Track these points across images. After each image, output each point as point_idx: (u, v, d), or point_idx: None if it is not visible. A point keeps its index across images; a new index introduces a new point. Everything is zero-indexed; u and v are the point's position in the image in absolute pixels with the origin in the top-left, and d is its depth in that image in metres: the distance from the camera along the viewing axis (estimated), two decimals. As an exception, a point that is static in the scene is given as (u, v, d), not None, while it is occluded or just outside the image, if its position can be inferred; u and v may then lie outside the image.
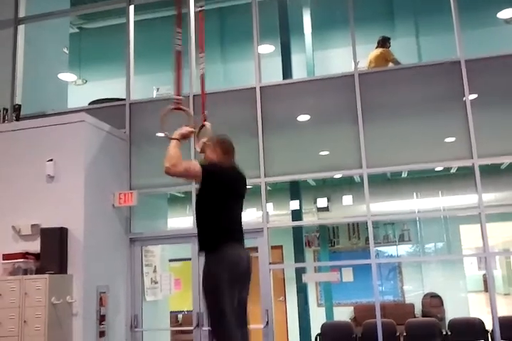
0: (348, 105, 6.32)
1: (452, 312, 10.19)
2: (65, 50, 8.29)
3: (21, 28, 7.66)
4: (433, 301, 10.74)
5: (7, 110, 6.53)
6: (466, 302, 10.90)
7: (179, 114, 3.65)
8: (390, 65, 7.18)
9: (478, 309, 11.14)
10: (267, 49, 8.39)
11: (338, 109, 6.46)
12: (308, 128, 6.55)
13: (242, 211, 3.59)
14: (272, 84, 6.69)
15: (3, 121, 6.42)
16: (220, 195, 3.37)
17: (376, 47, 7.52)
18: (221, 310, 3.21)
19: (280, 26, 8.04)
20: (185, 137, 3.41)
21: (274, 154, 6.42)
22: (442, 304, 10.68)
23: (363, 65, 7.00)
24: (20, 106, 6.69)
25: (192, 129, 3.36)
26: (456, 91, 6.07)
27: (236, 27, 10.26)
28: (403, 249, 11.58)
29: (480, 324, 7.73)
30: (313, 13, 9.53)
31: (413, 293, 11.26)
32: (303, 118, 6.59)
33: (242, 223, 3.55)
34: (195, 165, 3.34)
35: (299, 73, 8.50)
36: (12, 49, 7.49)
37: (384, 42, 7.52)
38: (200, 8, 3.71)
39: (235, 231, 3.49)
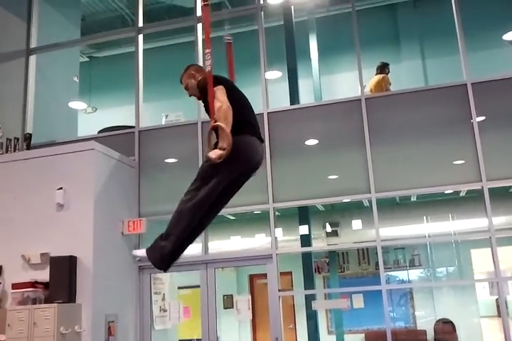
0: (356, 129, 6.34)
1: (465, 338, 9.99)
2: (75, 79, 8.41)
3: (33, 58, 7.81)
4: (445, 327, 10.46)
5: (18, 139, 6.59)
6: (479, 328, 10.70)
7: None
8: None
9: (491, 335, 10.90)
10: (274, 75, 8.46)
11: (345, 133, 6.48)
12: (316, 153, 6.56)
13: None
14: (279, 109, 6.73)
15: (14, 150, 6.47)
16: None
17: (376, 74, 7.59)
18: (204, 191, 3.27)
19: (287, 52, 8.13)
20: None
21: (282, 179, 6.43)
22: (455, 330, 10.45)
23: (368, 89, 7.07)
24: (30, 135, 6.76)
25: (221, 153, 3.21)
26: (464, 113, 6.09)
27: (243, 53, 10.33)
28: (414, 274, 11.45)
29: (494, 350, 7.58)
30: (320, 38, 9.64)
31: (425, 319, 11.07)
32: (311, 142, 6.61)
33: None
34: (223, 95, 3.28)
35: (306, 98, 8.56)
36: (24, 79, 7.63)
37: (383, 68, 7.60)
38: (228, 40, 3.76)
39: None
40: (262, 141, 3.56)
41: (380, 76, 7.46)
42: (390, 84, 7.35)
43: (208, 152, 3.22)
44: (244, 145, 3.31)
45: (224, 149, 3.07)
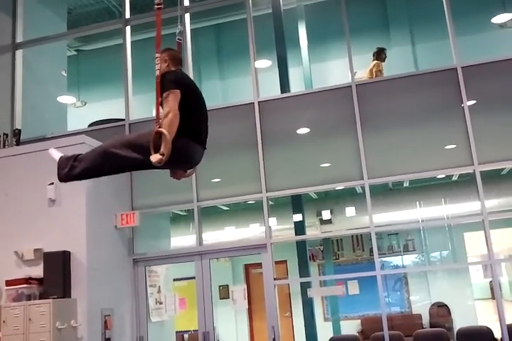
0: (347, 116, 6.33)
1: (460, 321, 10.10)
2: (63, 73, 8.33)
3: (19, 52, 7.73)
4: (440, 311, 10.66)
5: (7, 135, 6.54)
6: (473, 311, 10.81)
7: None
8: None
9: (486, 317, 11.02)
10: (264, 63, 8.42)
11: (337, 121, 6.47)
12: (308, 141, 6.55)
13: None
14: (270, 98, 6.71)
15: (4, 146, 6.44)
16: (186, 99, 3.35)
17: (373, 60, 7.53)
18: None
19: (276, 40, 8.07)
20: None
21: (274, 168, 6.42)
22: (450, 313, 10.59)
23: (360, 75, 7.03)
24: (20, 130, 6.71)
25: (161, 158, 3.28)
26: (454, 98, 6.09)
27: (232, 43, 10.31)
28: (408, 259, 11.51)
29: (488, 332, 7.67)
30: (309, 26, 9.59)
31: (420, 303, 11.17)
32: (302, 131, 6.60)
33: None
34: (174, 101, 3.25)
35: (296, 86, 8.52)
36: (10, 74, 7.56)
37: (379, 54, 7.55)
38: (178, 40, 3.71)
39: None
40: (205, 148, 3.59)
41: (374, 62, 7.40)
42: (381, 71, 7.30)
43: (151, 154, 3.29)
44: (183, 148, 3.36)
45: (163, 155, 3.15)
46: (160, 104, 3.36)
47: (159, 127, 3.19)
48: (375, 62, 7.40)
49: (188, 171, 3.80)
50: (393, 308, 11.22)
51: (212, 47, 10.83)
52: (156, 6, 3.32)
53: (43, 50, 8.03)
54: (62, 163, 3.58)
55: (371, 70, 7.24)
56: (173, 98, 3.24)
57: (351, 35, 6.72)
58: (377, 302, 6.22)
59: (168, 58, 3.53)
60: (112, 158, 3.43)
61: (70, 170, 3.52)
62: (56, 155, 3.66)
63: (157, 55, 3.27)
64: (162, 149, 3.17)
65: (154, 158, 3.20)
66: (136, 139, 3.46)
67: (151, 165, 3.37)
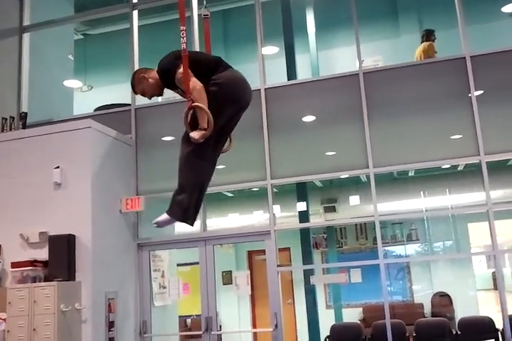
0: (354, 104, 6.30)
1: (462, 311, 10.13)
2: (70, 57, 8.32)
3: (26, 36, 7.71)
4: (442, 300, 10.70)
5: (13, 118, 6.54)
6: (475, 301, 10.84)
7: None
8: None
9: (487, 307, 11.06)
10: (271, 50, 8.38)
11: (343, 109, 6.44)
12: (313, 129, 6.53)
13: None
14: (276, 85, 6.68)
15: (10, 129, 6.44)
16: None
17: (422, 42, 7.40)
18: None
19: (284, 27, 8.04)
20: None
21: (280, 156, 6.41)
22: (451, 303, 10.63)
23: (368, 63, 6.96)
24: (26, 114, 6.71)
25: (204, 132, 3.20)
26: (462, 87, 6.04)
27: (239, 29, 10.25)
28: (411, 249, 11.54)
29: (490, 322, 7.70)
30: (317, 13, 9.51)
31: (422, 293, 11.21)
32: (308, 118, 6.57)
33: None
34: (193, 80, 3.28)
35: (303, 74, 8.49)
36: (17, 57, 7.54)
37: (428, 36, 7.36)
38: (205, 16, 3.68)
39: None
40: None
41: (427, 43, 7.24)
42: (436, 52, 7.14)
43: (189, 132, 3.25)
44: (229, 81, 3.35)
45: (205, 129, 3.13)
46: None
47: (192, 102, 3.16)
48: (429, 43, 7.22)
49: (226, 145, 3.73)
50: (395, 297, 11.27)
51: (219, 33, 10.78)
52: None
53: (50, 34, 8.01)
54: (172, 211, 3.47)
55: (426, 52, 7.05)
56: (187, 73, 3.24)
57: (359, 23, 6.66)
58: (380, 291, 6.25)
59: (147, 74, 3.52)
60: (196, 150, 3.35)
61: (182, 205, 3.41)
62: (162, 216, 3.55)
63: (182, 27, 3.25)
64: (201, 123, 3.14)
65: (197, 134, 3.16)
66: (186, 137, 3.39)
67: (230, 123, 3.35)
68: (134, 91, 3.72)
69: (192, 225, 3.59)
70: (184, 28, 3.23)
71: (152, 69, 3.55)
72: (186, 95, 3.25)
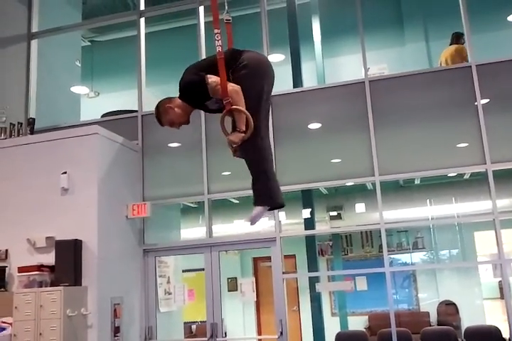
0: (359, 112, 6.31)
1: (468, 320, 10.08)
2: (78, 63, 8.39)
3: (34, 42, 7.78)
4: (448, 309, 10.64)
5: (21, 124, 6.59)
6: (481, 310, 10.77)
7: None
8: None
9: (494, 316, 10.98)
10: (277, 57, 8.41)
11: (349, 116, 6.45)
12: (319, 136, 6.55)
13: None
14: (282, 92, 6.69)
15: (18, 135, 6.48)
16: None
17: (450, 44, 7.35)
18: None
19: (289, 34, 8.07)
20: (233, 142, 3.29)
21: (285, 163, 6.41)
22: (458, 312, 10.57)
23: (374, 71, 6.97)
24: (34, 119, 6.76)
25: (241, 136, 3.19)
26: (468, 96, 6.05)
27: (245, 36, 10.26)
28: (417, 257, 11.49)
29: (496, 332, 7.66)
30: (323, 21, 9.56)
31: (428, 301, 11.15)
32: (314, 126, 6.59)
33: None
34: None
35: (309, 81, 8.51)
36: (25, 63, 7.61)
37: (458, 39, 7.24)
38: (227, 21, 3.69)
39: None
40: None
41: (459, 46, 7.15)
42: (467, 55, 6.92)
43: (226, 135, 3.24)
44: (254, 59, 3.39)
45: (244, 132, 3.13)
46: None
47: (231, 105, 3.16)
48: (460, 46, 7.05)
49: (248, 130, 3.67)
50: (401, 305, 11.21)
51: (225, 40, 10.80)
52: None
53: (58, 40, 8.08)
54: (259, 201, 3.42)
55: (459, 53, 6.91)
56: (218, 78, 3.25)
57: (365, 31, 6.69)
58: (385, 299, 6.23)
59: (172, 103, 3.49)
60: (253, 154, 3.35)
61: (266, 192, 3.38)
62: (254, 212, 3.45)
63: (216, 30, 3.26)
64: (239, 126, 3.15)
65: (235, 137, 3.16)
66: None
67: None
68: (161, 123, 3.64)
69: (283, 205, 3.52)
70: (218, 30, 3.23)
71: (174, 97, 3.51)
72: (224, 98, 3.23)
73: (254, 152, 3.34)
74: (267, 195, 3.41)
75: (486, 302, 11.25)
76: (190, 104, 3.46)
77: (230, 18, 3.67)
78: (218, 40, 3.21)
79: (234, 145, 3.27)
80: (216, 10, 3.33)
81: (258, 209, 3.42)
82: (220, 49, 3.20)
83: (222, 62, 3.21)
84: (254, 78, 3.31)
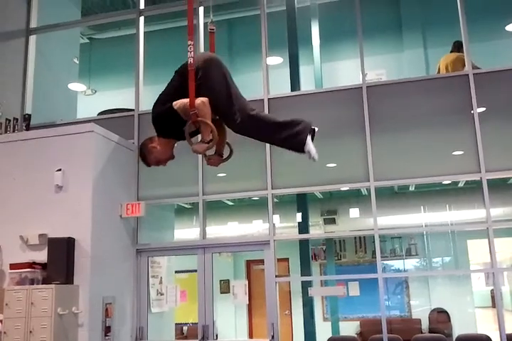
0: (356, 117, 6.31)
1: (459, 327, 10.09)
2: (75, 60, 8.36)
3: (32, 38, 7.74)
4: (440, 316, 10.65)
5: (17, 120, 6.56)
6: (473, 318, 10.80)
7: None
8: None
9: (485, 325, 11.02)
10: (275, 60, 8.42)
11: (345, 121, 6.45)
12: (315, 141, 6.51)
13: None
14: (280, 95, 6.70)
15: (13, 131, 6.45)
16: None
17: (451, 51, 7.35)
18: None
19: (288, 38, 8.08)
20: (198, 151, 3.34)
21: (281, 166, 6.42)
22: (449, 319, 10.59)
23: (371, 77, 6.98)
24: (30, 115, 6.73)
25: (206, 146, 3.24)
26: (465, 104, 6.06)
27: (244, 38, 10.32)
28: (410, 263, 11.51)
29: (487, 340, 7.65)
30: (322, 25, 9.57)
31: (420, 308, 11.17)
32: (310, 130, 6.57)
33: None
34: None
35: (307, 85, 8.52)
36: (23, 59, 7.57)
37: (460, 47, 7.32)
38: (211, 31, 3.71)
39: None
40: None
41: (461, 54, 7.15)
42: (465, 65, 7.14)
43: (191, 145, 3.28)
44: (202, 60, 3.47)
45: (208, 142, 3.18)
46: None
47: (197, 116, 3.19)
48: (462, 54, 6.94)
49: (226, 154, 3.75)
50: (393, 312, 11.22)
51: (224, 42, 10.84)
52: None
53: (56, 37, 8.05)
54: (298, 140, 3.54)
55: (460, 61, 6.81)
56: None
57: (364, 36, 6.70)
58: (377, 305, 6.22)
59: (154, 142, 3.57)
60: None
61: (297, 133, 3.49)
62: (311, 149, 3.57)
63: (189, 42, 3.27)
64: (204, 136, 3.18)
65: (200, 147, 3.19)
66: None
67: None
68: (148, 164, 3.68)
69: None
70: (192, 42, 3.24)
71: (153, 136, 3.56)
72: (190, 109, 3.26)
73: (258, 124, 3.36)
74: (299, 131, 3.49)
75: (477, 311, 11.30)
76: (172, 137, 3.49)
77: (214, 28, 3.70)
78: (191, 52, 3.23)
79: (207, 155, 3.33)
80: (191, 22, 3.34)
81: (310, 141, 3.48)
82: (191, 60, 3.22)
83: (193, 73, 3.24)
84: (213, 76, 3.33)
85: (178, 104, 3.31)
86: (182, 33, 3.86)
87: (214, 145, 3.23)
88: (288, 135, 3.40)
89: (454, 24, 6.58)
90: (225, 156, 3.78)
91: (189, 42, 3.21)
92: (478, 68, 6.38)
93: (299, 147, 3.41)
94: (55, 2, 8.19)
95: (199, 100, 3.25)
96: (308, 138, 3.39)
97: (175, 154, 3.59)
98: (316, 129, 3.50)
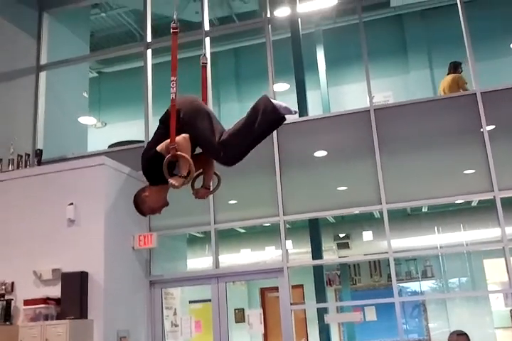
0: (365, 140, 6.32)
1: (480, 350, 9.86)
2: (85, 94, 8.48)
3: (43, 74, 7.88)
4: (460, 339, 10.36)
5: (29, 155, 6.63)
6: (493, 339, 10.55)
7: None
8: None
9: (506, 346, 10.75)
10: (282, 87, 8.48)
11: (355, 145, 6.46)
12: (325, 165, 6.54)
13: None
14: (288, 121, 6.60)
15: (25, 166, 6.51)
16: None
17: (448, 74, 7.38)
18: None
19: (294, 64, 8.14)
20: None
21: (292, 191, 6.41)
22: (470, 342, 10.35)
23: (378, 99, 7.00)
24: (41, 151, 6.80)
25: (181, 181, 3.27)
26: (474, 123, 6.06)
27: (251, 66, 10.42)
28: (426, 285, 11.33)
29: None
30: (327, 50, 9.67)
31: (439, 331, 10.94)
32: (320, 154, 6.59)
33: None
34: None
35: (314, 110, 8.55)
36: (34, 95, 7.70)
37: (456, 68, 7.31)
38: (203, 64, 3.74)
39: None
40: None
41: (456, 75, 7.19)
42: (467, 83, 7.04)
43: (168, 178, 3.29)
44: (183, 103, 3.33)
45: (185, 177, 3.18)
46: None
47: (176, 151, 3.21)
48: (457, 75, 7.16)
49: (214, 185, 3.74)
50: (411, 335, 11.00)
51: (231, 70, 10.96)
52: (173, 30, 3.37)
53: (66, 72, 8.19)
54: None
55: (455, 82, 7.00)
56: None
57: (369, 60, 6.75)
58: (395, 329, 6.11)
59: (147, 191, 3.46)
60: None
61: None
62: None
63: (172, 78, 3.29)
64: (182, 171, 3.20)
65: (177, 181, 3.20)
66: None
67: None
68: (143, 214, 3.70)
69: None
70: (175, 78, 3.27)
71: (145, 186, 3.58)
72: (170, 143, 3.29)
73: (235, 140, 3.30)
74: (264, 109, 3.21)
75: (497, 332, 11.04)
76: (162, 183, 3.49)
77: (206, 62, 3.72)
78: (173, 88, 3.25)
79: (194, 188, 3.34)
80: (175, 58, 3.35)
81: (276, 102, 3.28)
82: (173, 96, 3.24)
83: (175, 108, 3.25)
84: (196, 118, 3.33)
85: (161, 145, 3.35)
86: (190, 64, 3.90)
87: (191, 180, 3.23)
88: (261, 120, 3.33)
89: (458, 43, 6.63)
90: (212, 188, 3.78)
91: (172, 78, 3.24)
92: (467, 90, 6.42)
93: (276, 116, 3.33)
94: (64, 38, 8.36)
95: (180, 136, 3.29)
96: (274, 102, 3.31)
97: (169, 201, 3.60)
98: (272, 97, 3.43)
